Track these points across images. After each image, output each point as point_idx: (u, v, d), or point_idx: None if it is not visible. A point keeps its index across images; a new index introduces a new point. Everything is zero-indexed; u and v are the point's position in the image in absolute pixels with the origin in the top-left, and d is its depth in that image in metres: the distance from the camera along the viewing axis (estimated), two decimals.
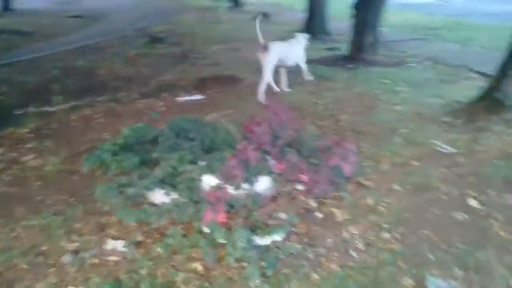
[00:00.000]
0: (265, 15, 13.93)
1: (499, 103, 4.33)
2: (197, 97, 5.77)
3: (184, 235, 2.75)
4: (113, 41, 10.39)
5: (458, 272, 2.45)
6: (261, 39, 5.44)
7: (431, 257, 2.58)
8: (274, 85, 5.59)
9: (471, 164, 3.61)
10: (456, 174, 3.47)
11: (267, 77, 5.40)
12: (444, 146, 3.94)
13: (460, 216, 2.95)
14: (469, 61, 6.76)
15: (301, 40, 5.94)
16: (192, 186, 2.95)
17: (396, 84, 5.92)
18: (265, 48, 5.36)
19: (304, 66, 6.03)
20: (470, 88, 5.43)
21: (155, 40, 10.06)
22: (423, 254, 2.61)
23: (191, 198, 2.89)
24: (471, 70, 6.29)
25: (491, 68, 4.70)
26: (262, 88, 5.40)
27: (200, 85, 6.34)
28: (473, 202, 3.09)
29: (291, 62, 5.79)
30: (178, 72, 7.21)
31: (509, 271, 2.43)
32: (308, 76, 6.12)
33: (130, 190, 2.95)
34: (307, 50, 6.14)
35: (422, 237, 2.76)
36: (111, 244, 2.74)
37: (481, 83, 5.18)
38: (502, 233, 2.75)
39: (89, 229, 2.93)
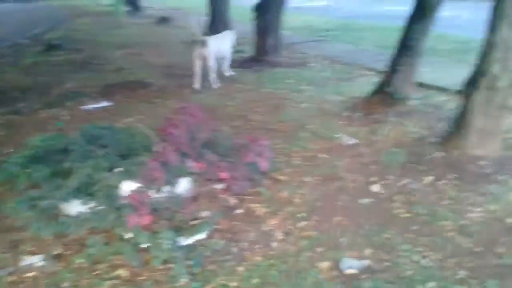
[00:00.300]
0: (165, 19, 13.87)
1: (391, 96, 4.77)
2: (104, 104, 5.62)
3: (106, 243, 2.71)
4: (3, 50, 9.65)
5: (368, 251, 2.68)
6: (199, 36, 6.11)
7: (344, 240, 2.79)
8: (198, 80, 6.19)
9: (372, 153, 3.93)
10: (359, 163, 3.76)
11: (214, 66, 6.11)
12: (346, 138, 4.25)
13: (366, 201, 3.22)
14: (363, 59, 7.29)
15: (230, 36, 6.68)
16: (111, 193, 2.87)
17: (300, 83, 6.20)
18: (203, 43, 5.96)
19: (228, 61, 6.67)
20: (365, 84, 5.86)
21: (51, 47, 9.48)
22: (336, 238, 2.81)
23: (110, 205, 2.82)
24: (365, 67, 6.79)
25: (382, 65, 5.13)
26: (214, 77, 6.14)
27: (106, 91, 6.16)
28: (376, 188, 3.38)
29: (220, 55, 6.44)
30: (81, 79, 6.90)
31: (410, 246, 2.70)
32: (230, 72, 6.64)
33: (44, 203, 2.81)
34: None
35: (334, 223, 2.97)
36: (28, 260, 2.61)
37: (375, 79, 5.63)
38: (402, 214, 3.04)
39: (2, 247, 2.76)
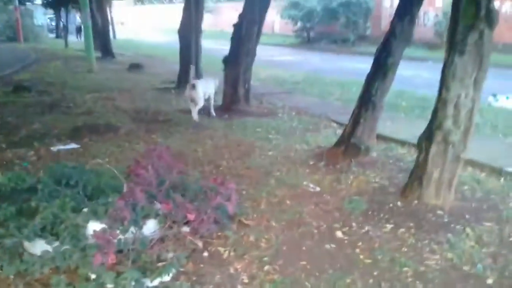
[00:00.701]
0: (136, 66, 14.07)
1: (354, 147, 4.98)
2: (72, 146, 5.63)
3: (70, 284, 2.67)
4: None
5: None
6: (191, 80, 7.68)
7: (307, 283, 2.85)
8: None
9: (335, 201, 4.06)
10: (323, 210, 3.88)
11: (201, 103, 7.17)
12: (311, 185, 4.38)
13: (329, 246, 3.31)
14: (328, 111, 7.56)
15: (213, 81, 7.71)
16: (76, 234, 2.87)
17: (268, 132, 6.38)
18: (194, 86, 7.13)
19: (212, 101, 7.61)
20: (330, 135, 6.12)
21: (19, 88, 9.45)
22: (301, 281, 2.88)
23: (75, 245, 2.81)
24: (330, 119, 7.04)
25: (347, 117, 5.37)
26: (195, 112, 7.16)
27: (75, 134, 6.18)
28: (339, 234, 3.48)
29: (206, 96, 7.38)
30: (49, 121, 6.90)
31: None
32: (212, 112, 7.52)
33: (8, 241, 2.78)
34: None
35: (298, 266, 3.04)
36: None
37: (339, 131, 5.87)
38: (364, 259, 3.13)
39: None
